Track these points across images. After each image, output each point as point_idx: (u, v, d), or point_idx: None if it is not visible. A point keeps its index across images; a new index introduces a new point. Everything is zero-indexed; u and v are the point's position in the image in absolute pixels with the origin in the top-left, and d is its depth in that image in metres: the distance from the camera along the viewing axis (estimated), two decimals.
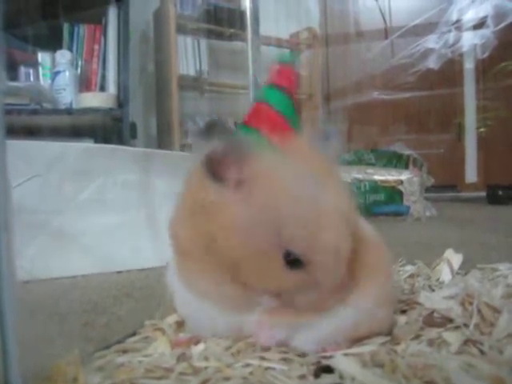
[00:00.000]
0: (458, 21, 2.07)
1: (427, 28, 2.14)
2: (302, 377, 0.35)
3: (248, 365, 0.36)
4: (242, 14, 1.84)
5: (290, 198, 0.32)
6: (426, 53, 2.12)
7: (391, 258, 0.45)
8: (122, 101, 1.67)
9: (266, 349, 0.39)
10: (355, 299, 0.38)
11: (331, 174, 0.37)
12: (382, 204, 1.64)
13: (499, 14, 1.91)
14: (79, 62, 1.72)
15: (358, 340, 0.40)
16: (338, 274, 0.35)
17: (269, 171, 0.34)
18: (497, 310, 0.44)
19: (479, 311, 0.44)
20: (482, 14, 1.99)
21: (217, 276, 0.37)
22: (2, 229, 0.31)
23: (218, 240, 0.35)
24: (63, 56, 1.65)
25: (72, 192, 0.86)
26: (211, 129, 0.35)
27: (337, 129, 0.39)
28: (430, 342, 0.40)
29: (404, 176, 1.69)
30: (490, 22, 1.94)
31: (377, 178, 1.70)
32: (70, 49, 1.71)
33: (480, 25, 2.02)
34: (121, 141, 1.61)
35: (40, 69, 1.69)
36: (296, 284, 0.34)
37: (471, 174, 2.88)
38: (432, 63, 2.10)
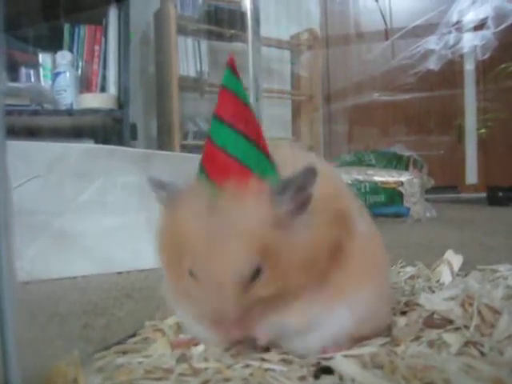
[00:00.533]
0: (458, 22, 2.08)
1: (427, 29, 2.14)
2: (302, 378, 0.35)
3: (248, 366, 0.36)
4: (243, 15, 1.85)
5: (192, 228, 0.36)
6: (427, 54, 2.12)
7: (389, 258, 0.46)
8: (122, 102, 1.67)
9: (266, 349, 0.39)
10: (354, 298, 0.38)
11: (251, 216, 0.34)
12: (382, 205, 1.64)
13: (499, 16, 1.91)
14: (80, 63, 1.72)
15: (358, 340, 0.40)
16: (224, 299, 0.35)
17: (185, 204, 0.37)
18: (497, 312, 0.44)
19: (479, 312, 0.44)
20: (482, 16, 1.99)
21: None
22: (2, 230, 0.31)
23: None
24: (64, 57, 1.65)
25: (72, 193, 0.86)
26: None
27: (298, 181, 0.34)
28: (430, 344, 0.40)
29: (404, 177, 1.69)
30: (490, 23, 1.95)
31: (377, 179, 1.70)
32: (71, 50, 1.71)
33: (480, 26, 2.02)
34: (121, 142, 1.61)
35: (41, 70, 1.69)
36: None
37: (471, 176, 2.88)
38: (432, 64, 2.10)
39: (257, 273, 0.34)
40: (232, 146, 0.36)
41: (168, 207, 0.40)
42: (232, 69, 0.38)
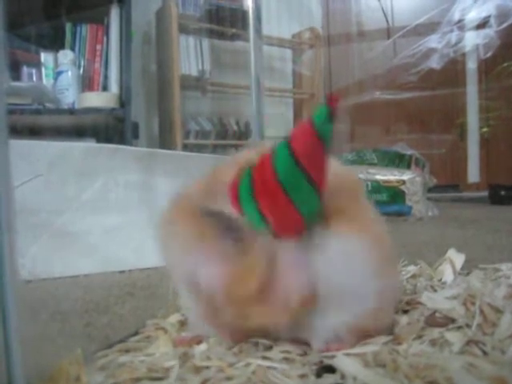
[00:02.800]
0: (460, 20, 2.07)
1: (429, 28, 2.14)
2: (304, 376, 0.35)
3: (250, 364, 0.36)
4: (245, 13, 1.84)
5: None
6: (429, 53, 2.11)
7: (395, 254, 0.46)
8: (124, 100, 1.67)
9: (268, 347, 0.39)
10: (360, 292, 0.38)
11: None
12: (384, 204, 1.64)
13: (502, 14, 1.90)
14: (81, 62, 1.72)
15: (362, 338, 0.40)
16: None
17: None
18: (499, 311, 0.44)
19: (481, 311, 0.44)
20: (484, 14, 1.99)
21: None
22: (4, 228, 0.31)
23: None
24: (66, 56, 1.65)
25: (74, 192, 0.86)
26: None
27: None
28: (432, 342, 0.40)
29: (406, 176, 1.69)
30: (492, 21, 1.94)
31: (379, 178, 1.70)
32: (73, 49, 1.72)
33: (483, 25, 2.01)
34: (123, 140, 1.61)
35: (43, 69, 1.69)
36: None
37: (473, 174, 2.88)
38: (434, 63, 2.10)
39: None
40: (293, 186, 0.32)
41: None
42: (331, 109, 0.32)
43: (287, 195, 0.32)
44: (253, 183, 0.33)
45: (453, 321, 0.43)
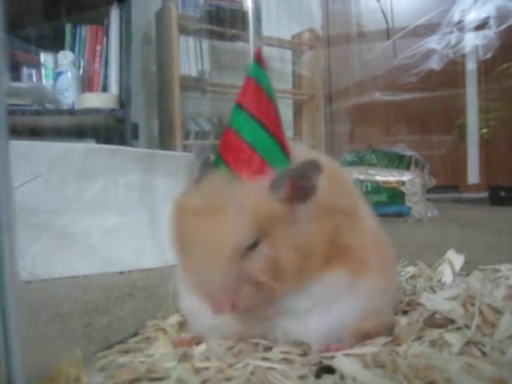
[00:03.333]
0: (460, 22, 2.07)
1: (429, 29, 2.14)
2: (303, 377, 0.35)
3: (249, 365, 0.36)
4: (244, 14, 1.85)
5: (196, 201, 0.38)
6: (428, 54, 2.11)
7: (395, 255, 0.46)
8: (124, 101, 1.67)
9: (268, 348, 0.39)
10: (359, 292, 0.39)
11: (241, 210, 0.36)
12: (384, 205, 1.64)
13: (501, 15, 1.91)
14: (81, 63, 1.72)
15: (361, 337, 0.40)
16: (219, 266, 0.36)
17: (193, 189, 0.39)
18: (498, 311, 0.44)
19: (481, 312, 0.44)
20: (484, 15, 1.99)
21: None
22: (4, 229, 0.31)
23: None
24: (65, 57, 1.65)
25: (74, 192, 0.86)
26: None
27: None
28: (432, 343, 0.40)
29: (406, 177, 1.69)
30: (492, 23, 1.94)
31: (379, 178, 1.70)
32: (73, 49, 1.72)
33: (482, 26, 2.02)
34: (123, 141, 1.61)
35: (42, 69, 1.69)
36: None
37: (473, 175, 2.88)
38: (434, 64, 2.10)
39: (253, 246, 0.35)
40: (246, 130, 0.37)
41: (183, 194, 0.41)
42: (258, 59, 0.40)
43: (242, 139, 0.37)
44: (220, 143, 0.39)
45: (452, 322, 0.44)
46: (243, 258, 0.35)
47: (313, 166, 0.36)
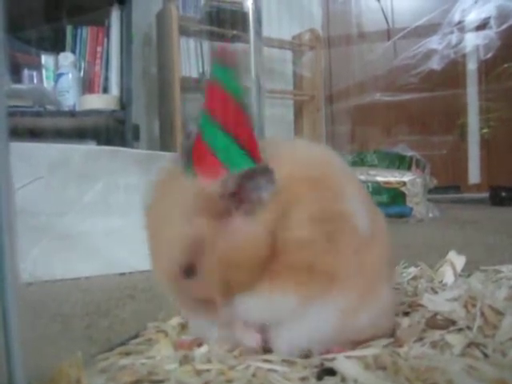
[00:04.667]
0: (460, 22, 2.07)
1: (430, 29, 2.14)
2: (305, 379, 0.35)
3: (250, 367, 0.36)
4: (245, 15, 1.85)
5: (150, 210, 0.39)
6: (429, 54, 2.11)
7: (395, 261, 0.45)
8: (124, 103, 1.67)
9: (269, 350, 0.39)
10: (334, 301, 0.37)
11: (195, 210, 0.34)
12: (385, 205, 1.64)
13: (502, 15, 1.91)
14: (82, 64, 1.73)
15: (360, 343, 0.40)
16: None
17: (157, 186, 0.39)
18: (500, 313, 0.44)
19: (482, 314, 0.44)
20: (484, 15, 1.99)
21: None
22: (5, 231, 0.31)
23: None
24: (66, 58, 1.65)
25: (75, 194, 0.86)
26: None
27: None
28: (433, 345, 0.40)
29: (407, 177, 1.69)
30: (492, 23, 1.94)
31: (379, 179, 1.70)
32: (73, 51, 1.72)
33: (483, 26, 2.01)
34: (123, 143, 1.61)
35: (43, 71, 1.70)
36: None
37: (474, 175, 2.87)
38: (435, 64, 2.10)
39: (191, 270, 0.35)
40: (205, 132, 0.36)
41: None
42: (220, 58, 0.37)
43: (202, 140, 0.36)
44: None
45: (453, 323, 0.43)
46: (183, 282, 0.35)
47: (265, 175, 0.33)
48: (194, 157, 0.36)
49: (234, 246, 0.34)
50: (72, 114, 1.61)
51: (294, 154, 0.39)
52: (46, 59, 1.70)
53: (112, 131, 1.67)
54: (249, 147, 0.35)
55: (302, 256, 0.35)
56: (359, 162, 1.85)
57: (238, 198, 0.34)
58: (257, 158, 0.35)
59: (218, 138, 0.35)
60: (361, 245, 0.38)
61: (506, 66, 2.17)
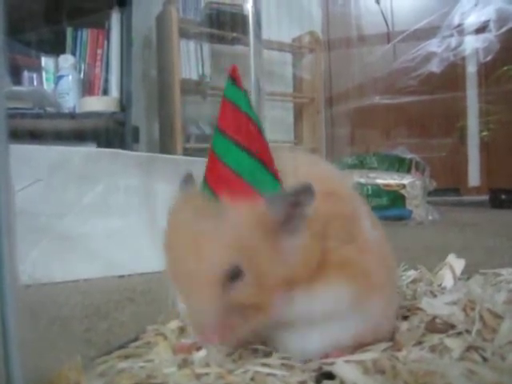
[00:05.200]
0: (460, 25, 2.08)
1: (429, 32, 2.14)
2: (304, 383, 0.35)
3: (249, 371, 0.36)
4: (245, 18, 1.85)
5: (176, 229, 0.37)
6: (428, 57, 2.12)
7: (396, 265, 0.46)
8: (124, 105, 1.67)
9: (268, 354, 0.39)
10: (360, 306, 0.38)
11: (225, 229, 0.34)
12: (385, 208, 1.64)
13: (501, 18, 1.91)
14: (82, 67, 1.73)
15: (360, 346, 0.40)
16: (201, 299, 0.35)
17: (178, 206, 0.38)
18: (499, 316, 0.44)
19: (481, 317, 0.44)
20: (484, 18, 1.99)
21: None
22: (4, 233, 0.31)
23: None
24: (66, 60, 1.66)
25: (74, 196, 0.86)
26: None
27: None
28: (432, 348, 0.40)
29: (406, 180, 1.69)
30: (492, 25, 1.95)
31: (379, 182, 1.70)
32: (73, 53, 1.72)
33: (482, 29, 2.02)
34: (123, 145, 1.61)
35: (43, 73, 1.70)
36: None
37: (474, 178, 2.87)
38: (434, 67, 2.10)
39: (236, 274, 0.34)
40: (227, 156, 0.35)
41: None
42: (233, 79, 0.37)
43: (225, 165, 0.35)
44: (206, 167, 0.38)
45: (452, 327, 0.43)
46: (226, 286, 0.34)
47: (306, 192, 0.34)
48: (213, 179, 0.36)
49: (287, 264, 0.35)
50: (72, 116, 1.61)
51: (304, 169, 0.40)
52: (46, 61, 1.70)
53: (112, 133, 1.67)
54: (270, 166, 0.36)
55: (345, 254, 0.37)
56: (359, 164, 1.85)
57: (285, 217, 0.35)
58: (277, 176, 0.36)
59: (242, 159, 0.35)
60: (368, 249, 0.40)
61: (505, 68, 2.18)
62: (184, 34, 2.14)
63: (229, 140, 0.36)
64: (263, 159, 0.36)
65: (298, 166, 0.40)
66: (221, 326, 0.34)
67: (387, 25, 2.62)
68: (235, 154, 0.35)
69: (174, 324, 0.49)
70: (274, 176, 0.36)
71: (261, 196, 0.35)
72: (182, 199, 0.38)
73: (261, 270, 0.34)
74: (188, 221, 0.35)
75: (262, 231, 0.34)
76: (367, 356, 0.37)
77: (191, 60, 2.19)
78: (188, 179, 0.39)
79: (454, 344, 0.40)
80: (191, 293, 0.35)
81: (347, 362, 0.36)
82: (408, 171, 1.80)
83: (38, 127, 1.52)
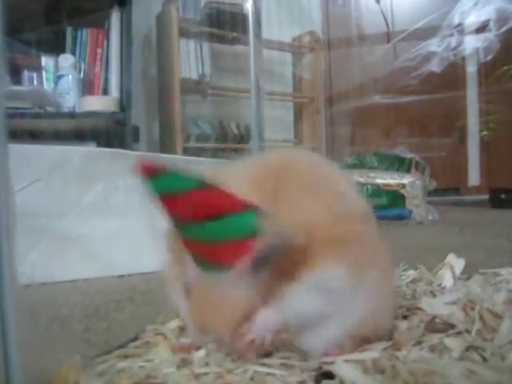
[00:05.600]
0: (460, 24, 2.08)
1: (429, 31, 2.14)
2: (303, 382, 0.35)
3: (248, 370, 0.36)
4: (245, 17, 1.85)
5: None
6: (429, 56, 2.12)
7: (392, 259, 0.46)
8: (124, 104, 1.67)
9: (267, 354, 0.39)
10: (359, 297, 0.38)
11: None
12: (385, 208, 1.64)
13: (501, 18, 1.91)
14: (82, 66, 1.73)
15: (360, 344, 0.40)
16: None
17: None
18: (499, 316, 0.44)
19: (481, 317, 0.44)
20: (484, 18, 1.99)
21: None
22: (3, 233, 0.31)
23: None
24: (66, 60, 1.65)
25: (74, 196, 0.86)
26: None
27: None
28: (432, 348, 0.40)
29: (406, 179, 1.69)
30: (492, 25, 1.95)
31: (379, 181, 1.70)
32: (73, 53, 1.72)
33: (482, 28, 2.02)
34: (123, 144, 1.61)
35: (43, 73, 1.70)
36: None
37: (474, 177, 2.88)
38: (434, 66, 2.10)
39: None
40: (199, 233, 0.35)
41: None
42: (149, 174, 0.34)
43: (204, 242, 0.35)
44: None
45: (452, 326, 0.43)
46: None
47: (276, 247, 0.34)
48: (202, 255, 0.36)
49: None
50: (72, 115, 1.61)
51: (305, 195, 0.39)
52: (46, 61, 1.70)
53: (112, 133, 1.67)
54: (234, 209, 0.34)
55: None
56: (359, 164, 1.85)
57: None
58: (244, 208, 0.35)
59: (210, 228, 0.34)
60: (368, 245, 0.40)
61: (505, 68, 2.18)
62: (184, 34, 2.14)
63: (187, 222, 0.35)
64: (223, 212, 0.34)
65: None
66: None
67: (387, 24, 2.62)
68: (201, 228, 0.34)
69: (173, 324, 0.49)
70: (243, 214, 0.35)
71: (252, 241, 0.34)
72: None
73: None
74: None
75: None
76: (367, 355, 0.37)
77: (191, 59, 2.19)
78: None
79: (454, 344, 0.40)
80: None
81: (347, 361, 0.36)
82: (408, 171, 1.80)
83: (38, 127, 1.52)
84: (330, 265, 0.36)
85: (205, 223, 0.34)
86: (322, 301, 0.37)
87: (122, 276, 0.86)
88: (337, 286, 0.37)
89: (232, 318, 0.35)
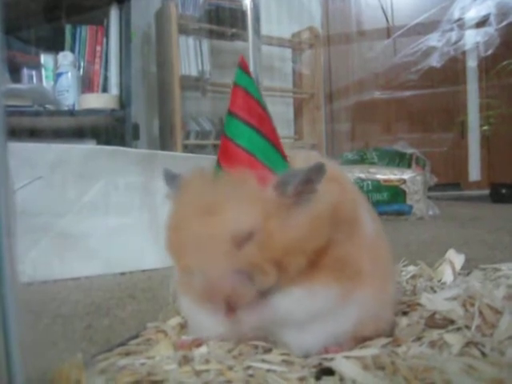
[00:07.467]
0: (460, 19, 2.07)
1: (430, 26, 2.14)
2: (303, 379, 0.35)
3: (249, 367, 0.36)
4: (244, 14, 1.85)
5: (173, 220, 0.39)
6: (429, 51, 2.11)
7: (393, 257, 0.46)
8: (124, 102, 1.67)
9: (268, 350, 0.39)
10: (359, 297, 0.38)
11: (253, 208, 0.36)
12: (385, 203, 1.64)
13: (502, 12, 1.90)
14: (81, 64, 1.73)
15: (360, 341, 0.40)
16: (216, 257, 0.36)
17: (188, 185, 0.40)
18: (498, 312, 0.44)
19: (481, 313, 0.44)
20: (484, 12, 1.99)
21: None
22: (4, 231, 0.31)
23: None
24: (65, 57, 1.65)
25: (74, 194, 0.87)
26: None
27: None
28: (432, 344, 0.40)
29: (407, 175, 1.69)
30: (492, 20, 1.94)
31: (379, 177, 1.70)
32: (73, 50, 1.72)
33: (483, 23, 2.01)
34: (123, 142, 1.61)
35: (43, 70, 1.70)
36: None
37: (474, 173, 2.88)
38: (434, 61, 2.10)
39: (248, 235, 0.35)
40: (240, 137, 0.38)
41: (173, 199, 0.41)
42: (243, 67, 0.40)
43: (238, 146, 0.38)
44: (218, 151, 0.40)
45: (452, 322, 0.44)
46: (238, 245, 0.35)
47: (318, 169, 0.37)
48: (226, 159, 0.38)
49: (296, 230, 0.36)
50: (71, 113, 1.61)
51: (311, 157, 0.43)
52: (45, 58, 1.70)
53: (111, 130, 1.67)
54: (279, 148, 0.39)
55: (338, 252, 0.38)
56: (359, 159, 1.85)
57: (296, 191, 0.37)
58: (285, 157, 0.40)
59: (254, 139, 0.38)
60: (369, 245, 0.41)
61: (505, 63, 2.17)
62: (183, 30, 2.14)
63: (241, 122, 0.39)
64: (273, 141, 0.39)
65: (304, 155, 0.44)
66: (232, 287, 0.35)
67: (387, 19, 2.61)
68: (247, 134, 0.38)
69: (174, 321, 0.50)
70: (283, 157, 0.39)
71: (271, 172, 0.37)
72: (194, 177, 0.40)
73: (271, 232, 0.36)
74: (202, 190, 0.38)
75: (275, 202, 0.36)
76: (367, 352, 0.38)
77: (190, 56, 2.19)
78: (170, 175, 0.42)
79: (454, 339, 0.40)
80: (204, 255, 0.36)
81: (347, 357, 0.36)
82: (408, 166, 1.80)
83: (38, 125, 1.52)
84: (328, 281, 0.38)
85: (251, 130, 0.38)
86: (312, 308, 0.38)
87: (123, 273, 0.87)
88: (329, 301, 0.38)
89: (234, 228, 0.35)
